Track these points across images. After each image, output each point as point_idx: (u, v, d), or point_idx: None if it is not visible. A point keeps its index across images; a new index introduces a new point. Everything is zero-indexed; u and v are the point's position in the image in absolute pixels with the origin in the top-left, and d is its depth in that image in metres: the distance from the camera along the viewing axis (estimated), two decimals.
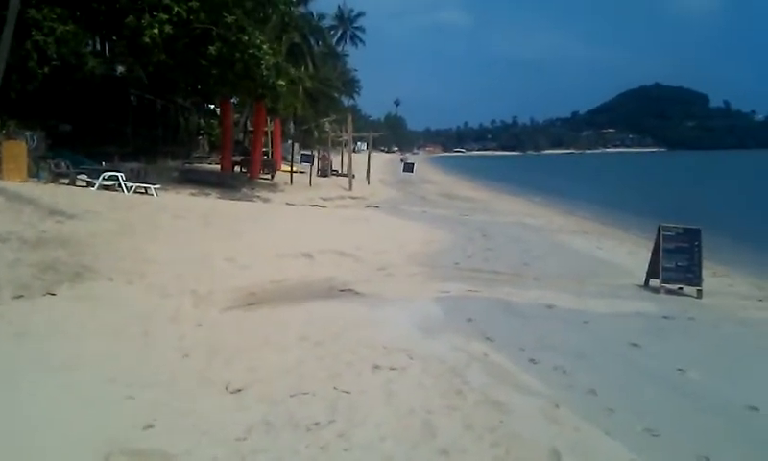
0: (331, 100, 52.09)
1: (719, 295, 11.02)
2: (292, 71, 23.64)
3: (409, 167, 46.30)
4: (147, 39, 17.77)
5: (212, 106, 38.59)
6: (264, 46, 19.40)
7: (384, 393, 5.06)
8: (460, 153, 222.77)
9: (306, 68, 36.76)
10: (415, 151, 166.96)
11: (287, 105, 22.15)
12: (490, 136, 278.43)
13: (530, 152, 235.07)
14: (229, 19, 18.81)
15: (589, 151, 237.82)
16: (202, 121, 40.46)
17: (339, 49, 75.79)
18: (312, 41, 40.67)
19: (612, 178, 67.57)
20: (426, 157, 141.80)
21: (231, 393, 4.98)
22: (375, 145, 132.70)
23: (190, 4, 18.35)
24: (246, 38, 18.78)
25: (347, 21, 78.44)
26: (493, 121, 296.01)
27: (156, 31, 17.63)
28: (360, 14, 79.65)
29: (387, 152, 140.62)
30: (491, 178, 58.77)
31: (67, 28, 17.47)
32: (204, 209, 15.41)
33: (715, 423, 5.20)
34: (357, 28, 79.85)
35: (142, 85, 26.66)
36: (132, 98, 26.04)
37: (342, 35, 78.18)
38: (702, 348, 7.56)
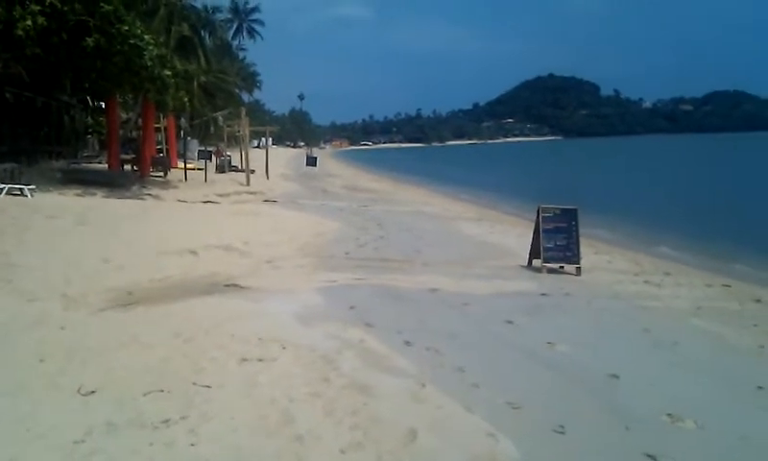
0: (229, 95, 50.82)
1: (598, 271, 11.49)
2: (178, 64, 22.80)
3: (312, 161, 45.99)
4: (20, 32, 16.64)
5: (102, 103, 36.85)
6: (146, 37, 18.59)
7: (247, 385, 4.93)
8: (366, 146, 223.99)
9: (199, 62, 35.67)
10: (321, 145, 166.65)
11: (175, 98, 21.25)
12: (395, 129, 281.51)
13: (435, 143, 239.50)
14: (106, 9, 17.89)
15: (491, 141, 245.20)
16: (90, 119, 38.55)
17: (235, 43, 74.24)
18: (204, 34, 39.47)
19: (510, 166, 69.88)
20: (333, 152, 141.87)
21: (83, 395, 4.69)
22: (281, 140, 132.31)
23: None
24: (125, 29, 17.92)
25: (242, 14, 76.71)
26: (398, 114, 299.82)
27: (29, 22, 16.56)
28: (255, 8, 77.97)
29: (293, 147, 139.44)
30: (395, 169, 59.32)
31: None
32: (83, 209, 14.63)
33: (576, 392, 5.37)
34: (254, 21, 78.22)
35: (22, 83, 25.01)
36: (7, 96, 24.38)
37: (238, 28, 76.43)
38: (573, 322, 7.83)
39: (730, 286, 10.85)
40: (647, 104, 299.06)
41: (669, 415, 4.91)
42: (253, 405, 4.54)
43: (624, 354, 6.52)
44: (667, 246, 15.53)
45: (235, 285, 8.88)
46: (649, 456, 4.18)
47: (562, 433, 4.46)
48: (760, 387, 5.70)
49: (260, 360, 5.53)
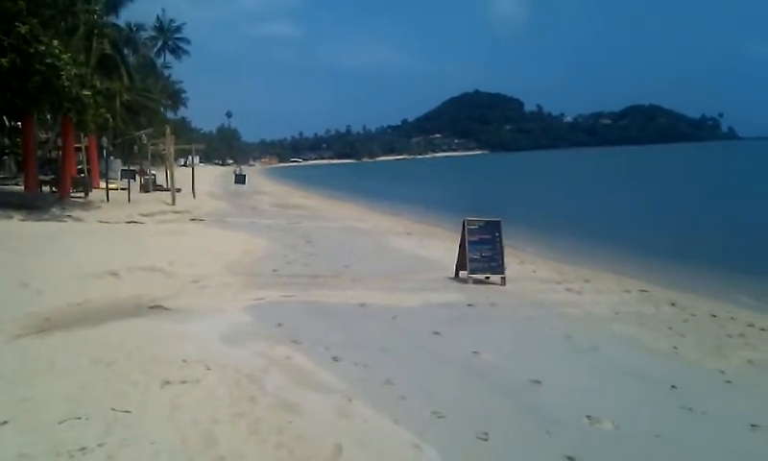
0: (153, 113, 49.65)
1: (522, 281, 11.80)
2: (98, 83, 22.11)
3: (241, 179, 45.36)
4: None
5: (19, 123, 35.32)
6: (64, 56, 17.98)
7: (169, 408, 4.82)
8: (296, 163, 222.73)
9: (121, 80, 34.75)
10: (251, 163, 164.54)
11: (96, 117, 20.60)
12: (325, 146, 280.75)
13: (365, 159, 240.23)
14: (23, 29, 17.25)
15: (420, 156, 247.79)
16: (7, 140, 36.91)
17: (160, 60, 72.64)
18: (126, 52, 38.52)
19: (438, 180, 70.87)
20: (262, 169, 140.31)
21: None
22: (209, 158, 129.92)
23: None
24: (42, 48, 17.31)
25: (167, 32, 75.18)
26: (328, 130, 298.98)
27: None
28: (180, 26, 76.65)
29: (221, 164, 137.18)
30: (325, 186, 59.22)
31: None
32: None
33: (500, 399, 5.50)
34: (179, 39, 76.80)
35: None
36: None
37: (163, 46, 74.87)
38: (498, 330, 8.02)
39: (646, 291, 11.34)
40: (568, 118, 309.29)
41: (588, 417, 5.09)
42: (175, 429, 4.44)
43: (546, 360, 6.72)
44: (588, 254, 16.07)
45: (159, 307, 8.67)
46: (569, 458, 4.32)
47: (485, 440, 4.56)
48: (674, 387, 5.98)
49: (184, 382, 5.41)
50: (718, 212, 26.40)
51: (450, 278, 11.65)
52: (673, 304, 10.27)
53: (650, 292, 11.30)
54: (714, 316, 9.59)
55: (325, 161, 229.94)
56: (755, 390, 6.13)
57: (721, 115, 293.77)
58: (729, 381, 6.32)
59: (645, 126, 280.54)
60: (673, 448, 4.62)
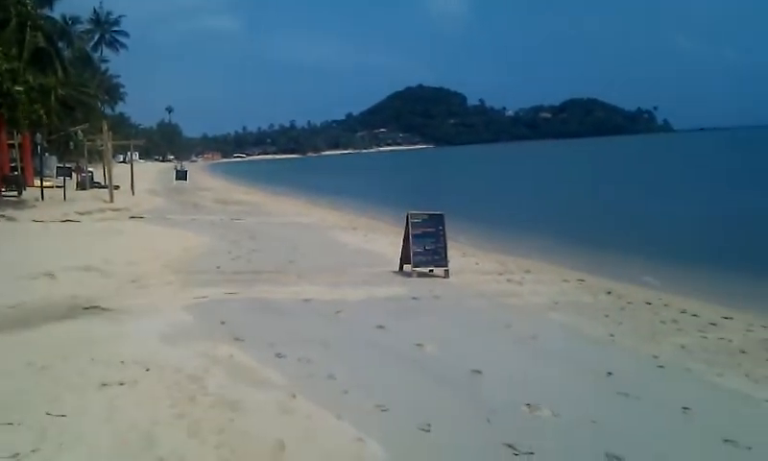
0: (90, 108, 48.20)
1: (465, 273, 11.96)
2: (31, 78, 21.34)
3: (182, 175, 44.55)
4: None
5: None
6: None
7: (106, 410, 4.71)
8: (240, 158, 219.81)
9: (56, 74, 33.59)
10: (193, 158, 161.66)
11: (29, 113, 19.89)
12: (269, 140, 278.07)
13: (310, 154, 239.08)
14: None
15: (365, 150, 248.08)
16: None
17: (97, 54, 70.59)
18: (61, 45, 37.27)
19: (383, 174, 71.21)
20: (204, 165, 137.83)
21: None
22: (149, 154, 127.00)
23: None
24: None
25: (104, 25, 73.08)
26: (272, 125, 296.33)
27: None
28: (118, 19, 74.56)
29: (162, 160, 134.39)
30: (269, 181, 58.63)
31: None
32: None
33: (442, 390, 5.57)
34: (117, 32, 74.74)
35: None
36: None
37: (99, 39, 72.74)
38: (442, 322, 8.12)
39: (584, 281, 11.66)
40: (510, 112, 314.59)
41: (528, 405, 5.20)
42: (113, 432, 4.34)
43: (487, 350, 6.84)
44: (529, 246, 16.39)
45: (96, 307, 8.45)
46: (508, 446, 4.41)
47: (427, 431, 4.61)
48: (610, 373, 6.16)
49: (122, 384, 5.30)
50: (653, 204, 27.31)
51: (395, 271, 11.72)
52: (609, 293, 10.58)
53: (587, 281, 11.62)
54: (649, 303, 9.92)
55: (270, 156, 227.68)
56: (686, 374, 6.37)
57: (656, 108, 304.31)
58: (662, 366, 6.54)
59: (584, 119, 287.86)
60: (609, 433, 4.76)
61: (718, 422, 5.02)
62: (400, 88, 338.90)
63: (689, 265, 13.50)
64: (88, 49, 65.96)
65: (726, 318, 8.96)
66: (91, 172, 36.39)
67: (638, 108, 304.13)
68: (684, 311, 9.37)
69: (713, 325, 8.54)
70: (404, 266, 11.62)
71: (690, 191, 31.76)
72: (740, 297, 10.52)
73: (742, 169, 46.44)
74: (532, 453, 4.31)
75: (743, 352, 7.21)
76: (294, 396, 5.14)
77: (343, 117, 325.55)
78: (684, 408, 5.27)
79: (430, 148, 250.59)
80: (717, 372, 6.38)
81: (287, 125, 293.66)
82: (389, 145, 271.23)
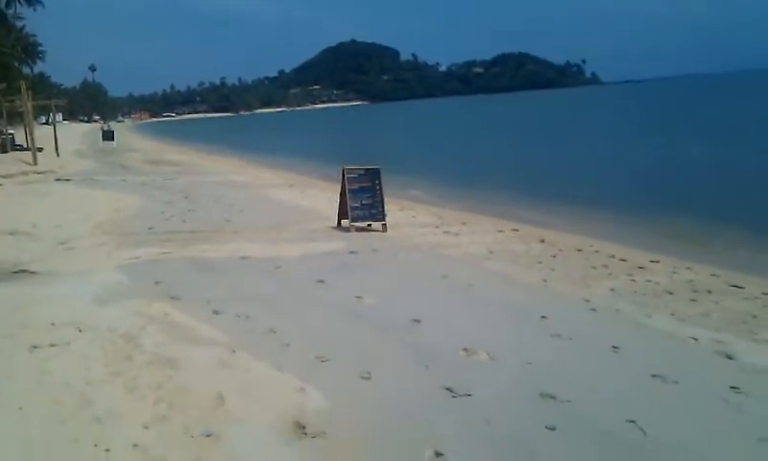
0: (7, 68, 45.63)
1: (403, 227, 12.06)
2: None
3: (109, 135, 43.10)
4: None
5: None
6: None
7: (38, 372, 4.59)
8: (170, 117, 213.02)
9: None
10: (120, 119, 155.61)
11: None
12: (199, 99, 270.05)
13: (242, 112, 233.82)
14: None
15: (299, 108, 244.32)
16: None
17: (11, 11, 66.40)
18: None
19: (319, 131, 70.49)
20: (132, 125, 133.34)
21: None
22: (73, 115, 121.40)
23: None
24: None
25: None
26: (202, 83, 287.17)
27: None
28: None
29: (87, 121, 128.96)
30: (201, 140, 57.23)
31: None
32: None
33: (382, 339, 5.64)
34: None
35: None
36: None
37: None
38: (380, 275, 8.19)
39: (518, 230, 11.92)
40: (443, 67, 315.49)
41: (465, 350, 5.34)
42: (45, 393, 4.24)
43: (425, 300, 6.95)
44: (466, 198, 16.65)
45: (24, 271, 8.15)
46: (447, 389, 4.53)
47: (368, 379, 4.68)
48: (544, 317, 6.37)
49: (53, 346, 5.16)
50: (582, 154, 27.98)
51: (333, 227, 11.70)
52: (542, 241, 10.87)
53: (521, 231, 11.90)
54: (580, 250, 10.24)
55: (200, 115, 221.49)
56: (615, 315, 6.64)
57: (584, 62, 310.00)
58: (594, 310, 6.80)
59: (515, 74, 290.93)
60: (543, 372, 4.94)
61: (646, 359, 5.27)
62: (333, 44, 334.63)
63: (617, 212, 13.96)
64: (1, 6, 62.03)
65: (653, 262, 9.35)
66: (12, 134, 34.60)
67: (567, 61, 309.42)
68: (612, 256, 9.72)
69: (641, 268, 8.90)
70: (342, 221, 11.60)
71: (620, 141, 32.63)
72: (667, 241, 11.00)
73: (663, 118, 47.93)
74: (470, 395, 4.43)
75: (670, 294, 7.56)
76: (233, 351, 5.12)
77: (275, 74, 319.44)
78: (614, 347, 5.50)
79: (365, 105, 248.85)
80: (646, 313, 6.67)
81: (217, 82, 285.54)
82: (323, 102, 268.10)
